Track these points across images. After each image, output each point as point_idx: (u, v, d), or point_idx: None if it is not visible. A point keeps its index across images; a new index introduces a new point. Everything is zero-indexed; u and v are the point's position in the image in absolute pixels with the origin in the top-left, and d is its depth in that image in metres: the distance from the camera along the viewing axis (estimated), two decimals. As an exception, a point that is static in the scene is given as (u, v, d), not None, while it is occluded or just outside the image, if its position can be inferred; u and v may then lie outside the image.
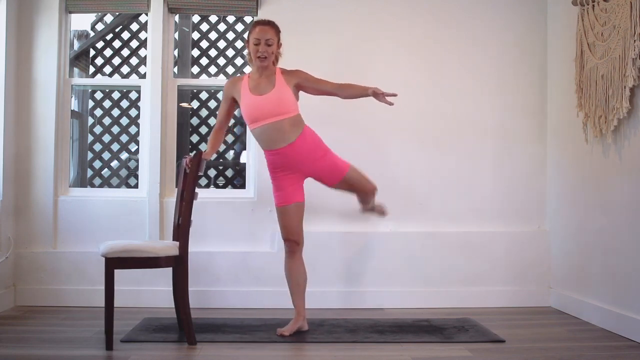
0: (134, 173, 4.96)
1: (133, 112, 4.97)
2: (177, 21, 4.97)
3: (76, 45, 5.03)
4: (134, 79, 4.96)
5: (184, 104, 5.06)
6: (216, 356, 3.31)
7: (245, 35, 4.97)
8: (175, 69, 4.95)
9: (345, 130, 4.63)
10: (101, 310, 3.40)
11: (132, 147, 4.96)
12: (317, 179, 3.80)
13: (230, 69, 5.00)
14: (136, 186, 4.83)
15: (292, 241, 3.78)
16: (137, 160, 4.87)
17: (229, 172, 5.17)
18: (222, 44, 5.00)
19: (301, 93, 3.80)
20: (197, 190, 3.57)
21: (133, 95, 5.02)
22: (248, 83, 3.71)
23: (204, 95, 5.14)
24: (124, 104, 5.03)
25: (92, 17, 5.07)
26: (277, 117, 3.62)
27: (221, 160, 5.17)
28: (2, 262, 4.32)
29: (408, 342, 3.59)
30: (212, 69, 4.99)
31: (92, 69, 5.07)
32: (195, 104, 5.15)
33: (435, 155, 4.73)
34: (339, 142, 4.55)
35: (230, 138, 5.11)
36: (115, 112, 5.01)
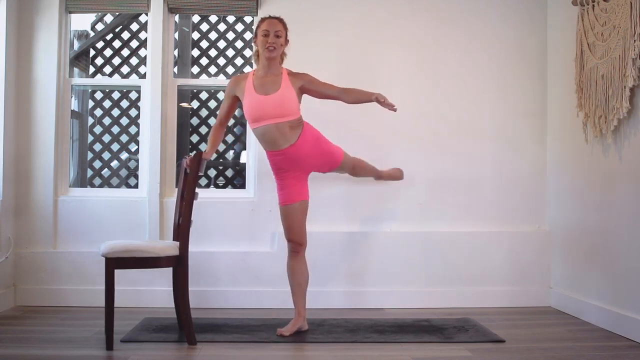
0: (134, 173, 4.96)
1: (133, 112, 4.97)
2: (177, 21, 4.97)
3: (76, 45, 5.03)
4: (134, 79, 4.96)
5: (184, 104, 5.06)
6: (216, 356, 3.31)
7: (245, 36, 5.00)
8: (175, 69, 4.95)
9: (346, 131, 4.62)
10: (101, 310, 3.40)
11: (132, 147, 4.96)
12: (317, 170, 3.86)
13: (230, 69, 5.00)
14: (136, 186, 4.83)
15: (296, 242, 3.77)
16: (137, 160, 4.87)
17: (229, 172, 5.17)
18: (222, 44, 4.99)
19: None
20: (197, 190, 3.57)
21: (133, 95, 5.02)
22: (253, 81, 3.68)
23: (204, 95, 5.14)
24: (124, 104, 5.03)
25: (92, 17, 5.08)
26: (279, 119, 3.60)
27: (221, 160, 5.17)
28: (2, 262, 4.32)
29: (408, 342, 3.59)
30: (212, 69, 4.99)
31: (92, 69, 5.07)
32: (195, 104, 5.16)
33: (435, 155, 4.73)
34: (339, 143, 4.56)
35: (230, 138, 5.11)
36: (115, 112, 5.01)
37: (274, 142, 3.64)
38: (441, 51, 4.76)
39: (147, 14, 4.75)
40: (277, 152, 3.66)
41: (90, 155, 4.95)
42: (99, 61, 5.03)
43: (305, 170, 3.73)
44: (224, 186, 5.14)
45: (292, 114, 3.64)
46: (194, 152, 4.38)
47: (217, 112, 5.03)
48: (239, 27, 5.03)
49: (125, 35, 5.01)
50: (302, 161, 3.67)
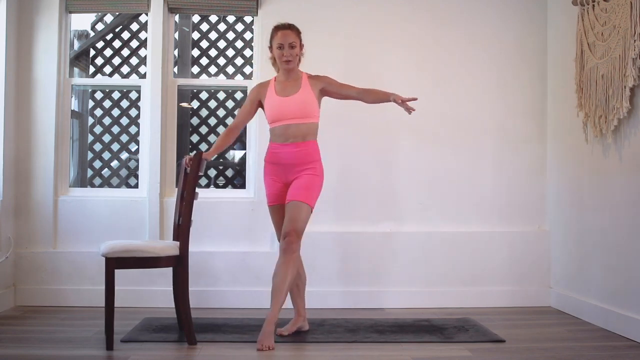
0: (134, 173, 4.96)
1: (133, 112, 4.96)
2: (177, 21, 4.97)
3: (76, 45, 5.03)
4: (134, 79, 4.95)
5: (184, 104, 5.06)
6: (216, 356, 3.31)
7: (245, 36, 5.00)
8: (175, 69, 4.95)
9: (346, 129, 4.64)
10: (101, 310, 3.40)
11: (132, 147, 4.96)
12: (288, 191, 3.66)
13: (230, 69, 5.00)
14: (136, 186, 4.83)
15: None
16: (137, 160, 4.87)
17: (229, 172, 5.17)
18: (222, 44, 4.99)
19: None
20: (197, 190, 3.57)
21: (133, 95, 5.02)
22: (275, 86, 3.75)
23: (204, 95, 5.14)
24: (124, 104, 5.03)
25: (92, 17, 5.07)
26: (298, 120, 3.65)
27: (221, 160, 5.17)
28: (2, 262, 4.32)
29: (408, 342, 3.59)
30: (212, 69, 4.99)
31: (92, 69, 5.07)
32: (195, 104, 5.15)
33: (436, 155, 4.73)
34: (339, 141, 4.58)
35: (229, 138, 5.10)
36: (115, 112, 5.01)
37: (287, 138, 3.67)
38: (441, 51, 4.76)
39: (147, 14, 4.75)
40: (281, 144, 3.67)
41: (90, 155, 4.95)
42: (99, 61, 5.03)
43: (287, 175, 3.69)
44: (224, 186, 5.14)
45: (312, 116, 3.68)
46: (194, 152, 4.38)
47: (222, 113, 5.07)
48: (239, 27, 5.02)
49: (125, 35, 5.01)
50: (292, 166, 3.66)
